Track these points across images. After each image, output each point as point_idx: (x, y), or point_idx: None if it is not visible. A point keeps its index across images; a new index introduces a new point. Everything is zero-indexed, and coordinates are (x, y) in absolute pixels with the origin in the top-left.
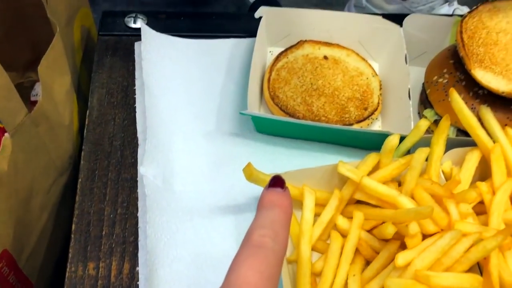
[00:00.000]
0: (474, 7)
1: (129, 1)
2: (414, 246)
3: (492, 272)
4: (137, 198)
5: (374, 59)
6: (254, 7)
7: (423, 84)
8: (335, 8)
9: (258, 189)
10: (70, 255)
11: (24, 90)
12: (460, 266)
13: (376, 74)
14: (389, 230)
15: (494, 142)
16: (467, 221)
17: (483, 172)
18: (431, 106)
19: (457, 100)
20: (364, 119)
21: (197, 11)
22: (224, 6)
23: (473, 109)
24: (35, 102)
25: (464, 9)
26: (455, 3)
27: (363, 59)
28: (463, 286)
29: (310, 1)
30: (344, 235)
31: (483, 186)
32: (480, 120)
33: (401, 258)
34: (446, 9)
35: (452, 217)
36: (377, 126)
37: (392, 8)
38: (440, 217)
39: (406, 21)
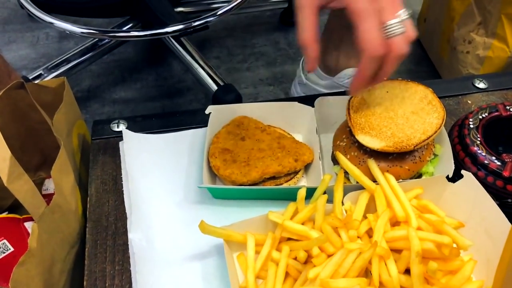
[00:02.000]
0: None
1: (114, 100)
2: (320, 263)
3: (373, 273)
4: (129, 257)
5: (298, 132)
6: (217, 94)
7: (332, 147)
8: (285, 85)
9: (216, 240)
10: None
11: (37, 186)
12: (351, 273)
13: None
14: (301, 255)
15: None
16: (354, 242)
17: (373, 207)
18: (338, 163)
19: (342, 159)
20: (291, 179)
21: (173, 102)
22: (194, 94)
23: (364, 162)
24: (45, 195)
25: None
26: None
27: (288, 133)
28: (353, 286)
29: (265, 82)
30: (277, 264)
31: (370, 216)
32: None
33: (311, 272)
34: None
35: (343, 240)
36: (303, 181)
37: (324, 83)
38: (336, 241)
39: (316, 102)
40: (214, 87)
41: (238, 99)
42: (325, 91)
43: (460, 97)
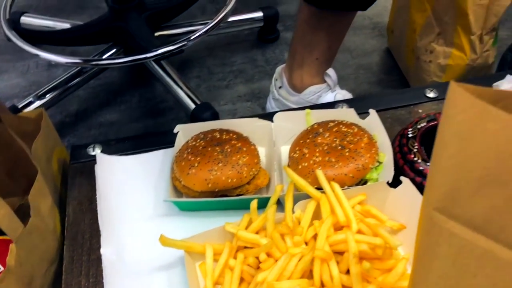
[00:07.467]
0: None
1: (100, 123)
2: (268, 268)
3: (315, 275)
4: (102, 270)
5: (262, 146)
6: (194, 113)
7: (288, 158)
8: (263, 100)
9: (180, 251)
10: None
11: (25, 209)
12: (295, 275)
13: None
14: (250, 261)
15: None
16: (297, 247)
17: (320, 214)
18: None
19: (289, 172)
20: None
21: (156, 121)
22: (176, 113)
23: (313, 171)
24: None
25: (343, 92)
26: (337, 88)
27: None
28: (294, 287)
29: (243, 98)
30: (233, 270)
31: (316, 222)
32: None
33: (260, 276)
34: (330, 95)
35: (288, 245)
36: (264, 191)
37: (293, 99)
38: (282, 247)
39: (275, 117)
40: (192, 106)
41: (215, 116)
42: (295, 107)
43: (411, 106)
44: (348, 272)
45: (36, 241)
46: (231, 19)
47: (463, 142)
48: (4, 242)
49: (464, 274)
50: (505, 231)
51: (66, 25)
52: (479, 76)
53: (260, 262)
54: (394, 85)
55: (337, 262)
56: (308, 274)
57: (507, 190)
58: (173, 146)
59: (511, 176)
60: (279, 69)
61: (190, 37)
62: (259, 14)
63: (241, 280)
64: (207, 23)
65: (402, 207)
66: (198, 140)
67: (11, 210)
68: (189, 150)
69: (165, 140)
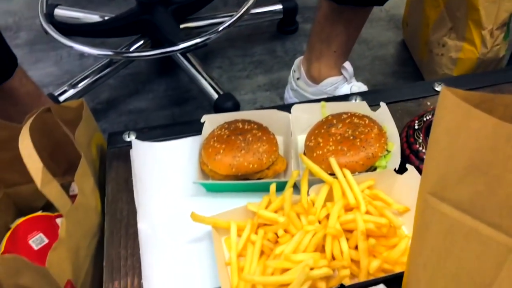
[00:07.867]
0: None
1: (129, 110)
2: (285, 242)
3: (326, 250)
4: (138, 242)
5: (280, 135)
6: (217, 103)
7: (304, 146)
8: (281, 90)
9: (208, 227)
10: (104, 278)
11: (65, 189)
12: (309, 249)
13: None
14: (270, 236)
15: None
16: (311, 225)
17: (332, 197)
18: None
19: (304, 159)
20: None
21: (181, 109)
22: (200, 102)
23: (327, 159)
24: (73, 196)
25: (358, 84)
26: (353, 80)
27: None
28: (309, 259)
29: (263, 88)
30: (254, 244)
31: (329, 204)
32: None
33: (278, 249)
34: (346, 87)
35: (303, 223)
36: (281, 175)
37: (311, 90)
38: (298, 224)
39: (292, 109)
40: (215, 95)
41: (236, 106)
42: (312, 97)
43: (420, 99)
44: (356, 247)
45: (81, 217)
46: (251, 11)
47: (451, 138)
48: (46, 218)
49: (453, 248)
50: (486, 212)
51: (95, 17)
52: (488, 71)
53: (278, 237)
54: (408, 76)
55: (347, 239)
56: (321, 249)
57: (487, 178)
58: (200, 134)
59: (490, 166)
60: (297, 61)
61: (215, 30)
62: (279, 6)
63: (262, 253)
64: (230, 16)
65: (407, 191)
66: (223, 130)
67: (62, 190)
68: (215, 138)
69: (193, 128)
